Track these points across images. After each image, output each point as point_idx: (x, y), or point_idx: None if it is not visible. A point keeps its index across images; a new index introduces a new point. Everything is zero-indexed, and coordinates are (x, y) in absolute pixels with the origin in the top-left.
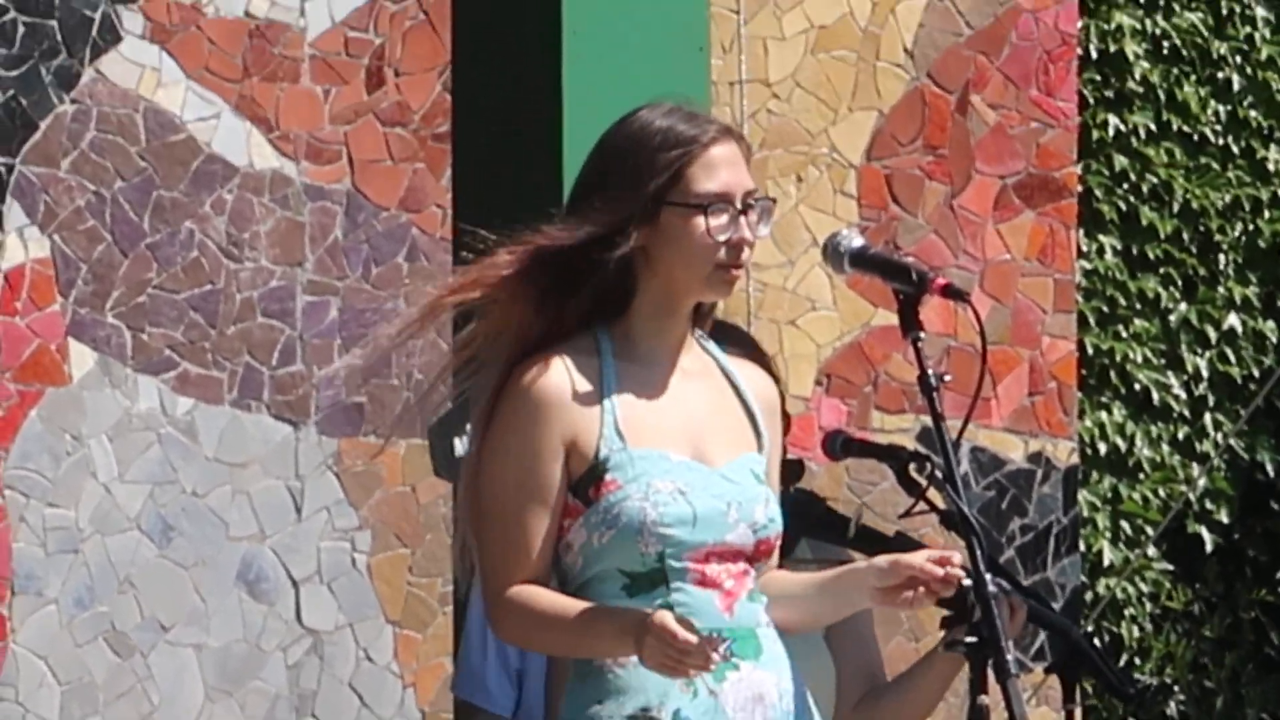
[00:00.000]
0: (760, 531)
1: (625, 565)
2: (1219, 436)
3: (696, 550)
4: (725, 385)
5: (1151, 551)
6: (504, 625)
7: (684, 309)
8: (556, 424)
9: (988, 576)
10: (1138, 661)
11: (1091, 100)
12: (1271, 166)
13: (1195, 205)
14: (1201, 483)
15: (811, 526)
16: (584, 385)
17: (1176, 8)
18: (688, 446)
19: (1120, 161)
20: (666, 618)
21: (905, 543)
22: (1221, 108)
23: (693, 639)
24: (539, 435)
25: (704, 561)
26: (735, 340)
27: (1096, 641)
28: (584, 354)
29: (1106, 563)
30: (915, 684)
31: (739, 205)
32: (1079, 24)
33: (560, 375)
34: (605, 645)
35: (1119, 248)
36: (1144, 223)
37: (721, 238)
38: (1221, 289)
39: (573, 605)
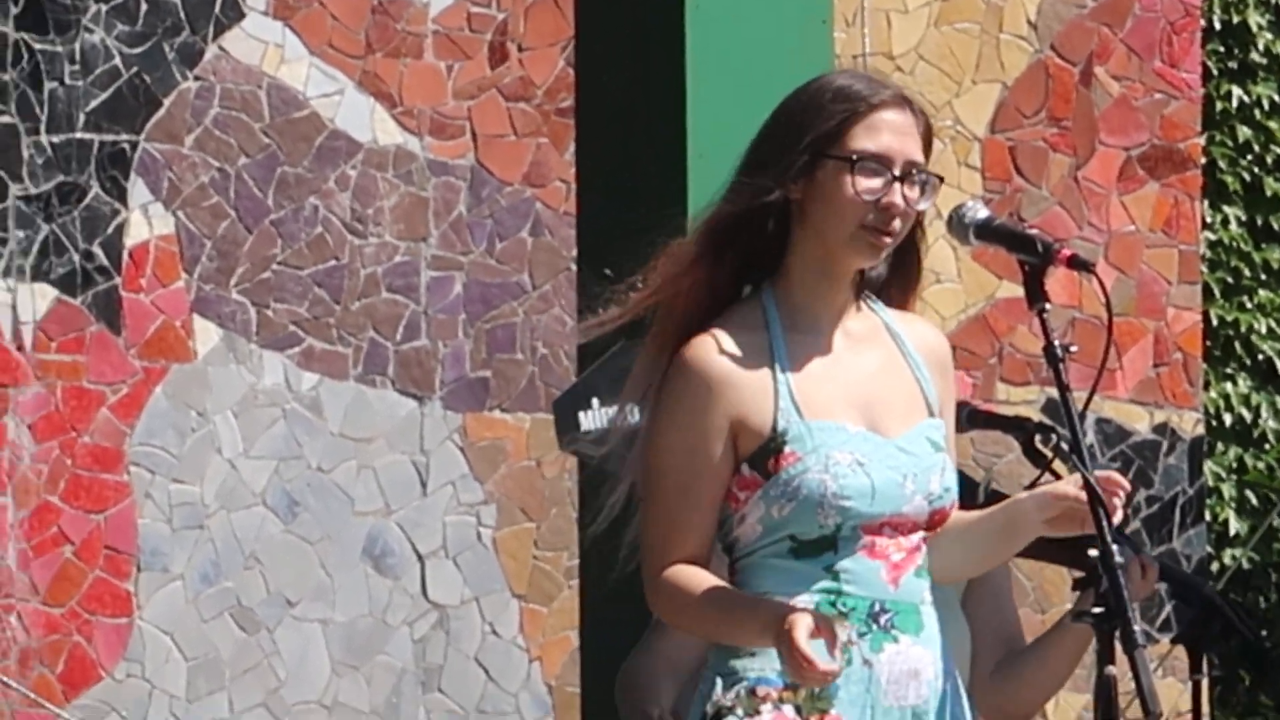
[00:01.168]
0: (935, 501)
1: (800, 533)
2: None
3: (872, 521)
4: (894, 349)
5: (1278, 521)
6: (659, 604)
7: (842, 272)
8: (723, 402)
9: (1114, 546)
10: (1265, 632)
11: (1215, 71)
12: None
13: None
14: None
15: None
16: (752, 360)
17: None
18: (861, 416)
19: (1244, 132)
20: (799, 632)
21: None
22: None
23: (816, 662)
24: (705, 415)
25: (877, 532)
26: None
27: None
28: (750, 328)
29: (1232, 533)
30: (1048, 654)
31: (897, 172)
32: None
33: (727, 352)
34: (747, 637)
35: (1243, 218)
36: (1268, 193)
37: (869, 197)
38: None
39: (721, 594)
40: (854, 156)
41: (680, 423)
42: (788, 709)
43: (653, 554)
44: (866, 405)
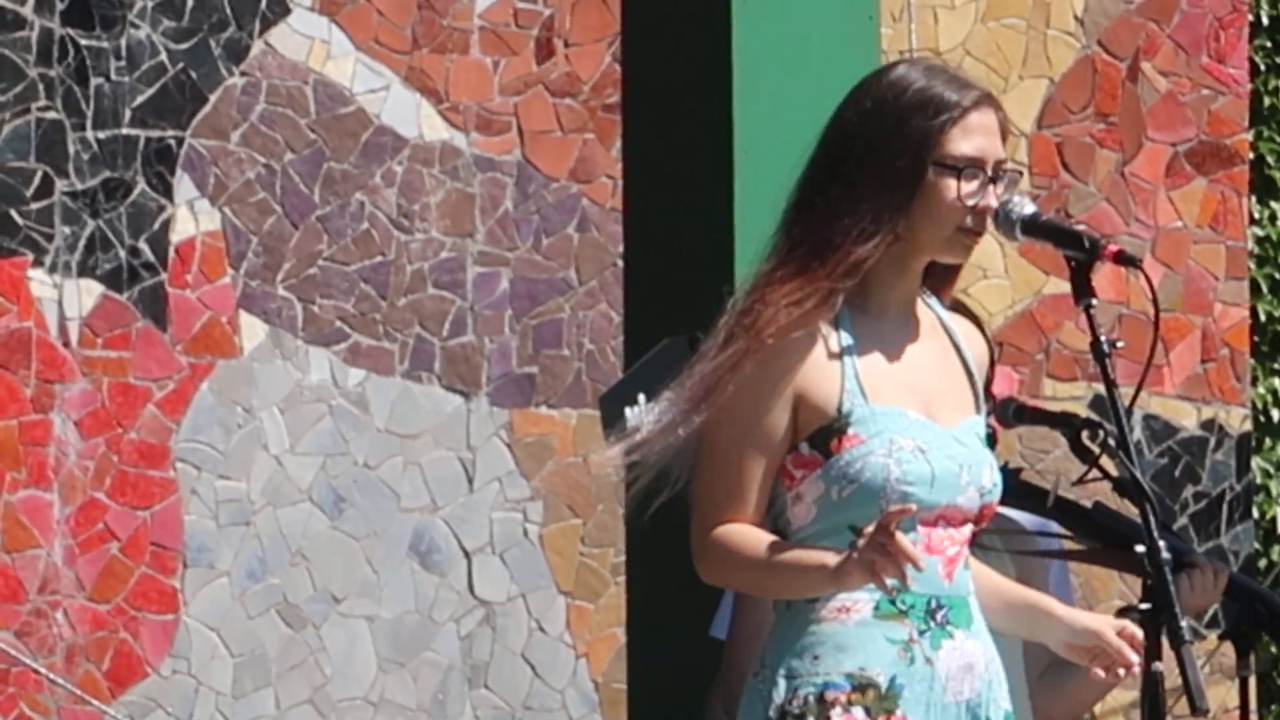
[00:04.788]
0: (986, 495)
1: (858, 520)
2: None
3: (930, 510)
4: (948, 344)
5: None
6: (706, 563)
7: (919, 265)
8: (787, 374)
9: (1162, 544)
10: None
11: (1263, 67)
12: None
13: None
14: None
15: (1009, 496)
16: (819, 338)
17: None
18: (920, 405)
19: None
20: (889, 527)
21: (1105, 514)
22: None
23: (907, 543)
24: (767, 384)
25: (933, 524)
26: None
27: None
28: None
29: None
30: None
31: (990, 172)
32: None
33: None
34: (802, 578)
35: None
36: None
37: (971, 202)
38: None
39: (777, 542)
40: (959, 164)
41: (742, 391)
42: (857, 710)
43: (704, 516)
44: (925, 394)
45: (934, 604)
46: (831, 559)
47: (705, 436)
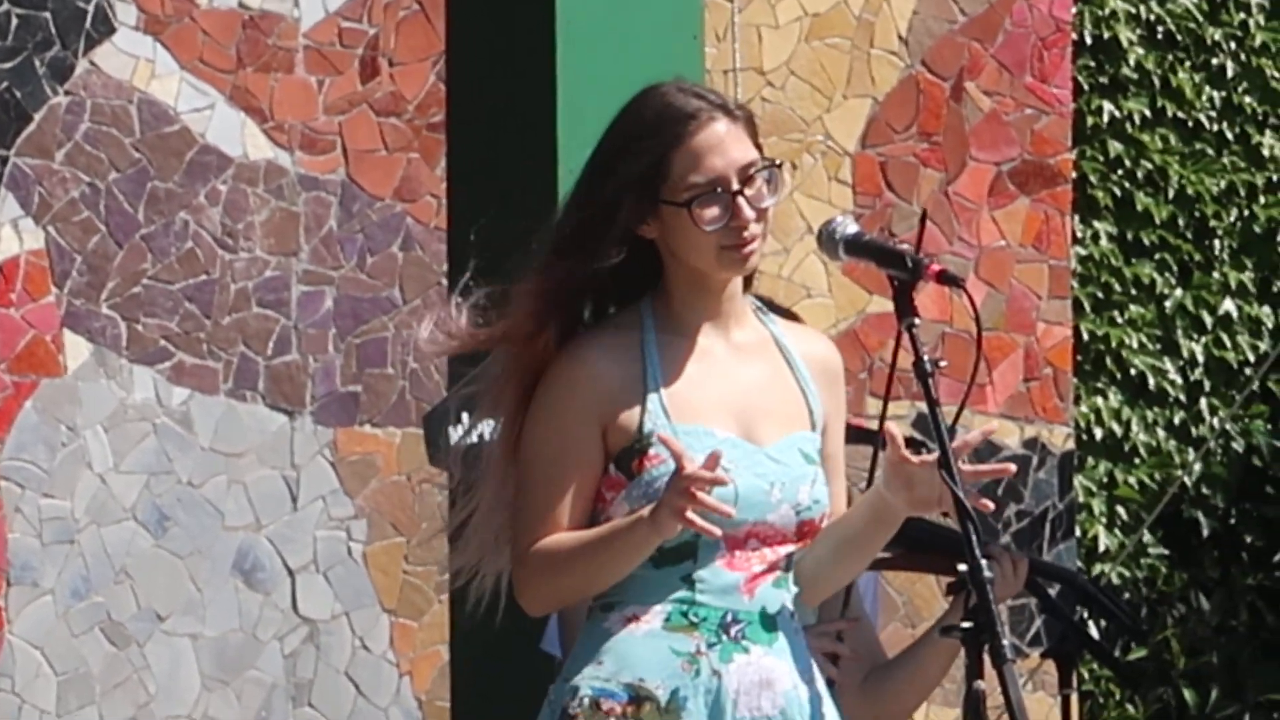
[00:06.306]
0: (804, 512)
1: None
2: (1214, 421)
3: (736, 529)
4: (779, 360)
5: (1147, 537)
6: (528, 582)
7: (717, 285)
8: (591, 400)
9: (983, 561)
10: (1133, 645)
11: (1086, 86)
12: (1266, 152)
13: (1190, 191)
14: (1197, 468)
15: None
16: (624, 362)
17: None
18: (735, 423)
19: (1115, 147)
20: (684, 462)
21: (920, 525)
22: (1216, 93)
23: (704, 473)
24: (573, 410)
25: (743, 541)
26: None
27: (1087, 622)
28: (625, 329)
29: (1102, 548)
30: (916, 664)
31: (735, 186)
32: (1073, 10)
33: (598, 351)
34: (626, 537)
35: (1114, 234)
36: (1139, 208)
37: (710, 229)
38: (1217, 274)
39: (589, 532)
40: (687, 197)
41: (549, 416)
42: None
43: (519, 540)
44: (742, 412)
45: (729, 618)
46: (648, 510)
47: (521, 465)
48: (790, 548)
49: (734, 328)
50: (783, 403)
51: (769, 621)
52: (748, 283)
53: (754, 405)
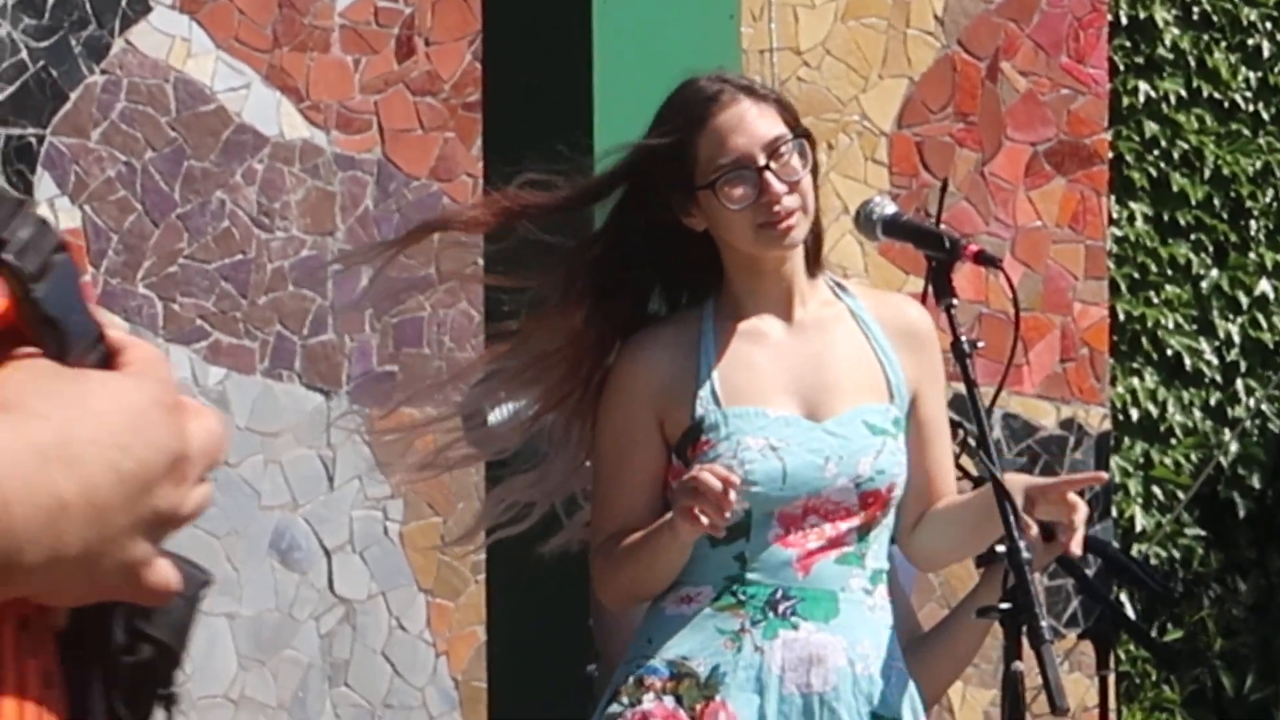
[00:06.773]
0: (865, 484)
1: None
2: (1250, 402)
3: (790, 505)
4: (856, 332)
5: (1184, 517)
6: (598, 576)
7: (769, 267)
8: (645, 390)
9: (1021, 542)
10: (1170, 626)
11: (1122, 67)
12: None
13: (1226, 171)
14: (1233, 448)
15: None
16: (679, 350)
17: None
18: (794, 401)
19: (1151, 128)
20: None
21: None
22: (1252, 74)
23: (713, 484)
24: (631, 404)
25: (800, 518)
26: None
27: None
28: (687, 320)
29: (1139, 529)
30: (950, 638)
31: (761, 162)
32: None
33: (653, 346)
34: (656, 541)
35: (1150, 214)
36: (1175, 189)
37: (737, 207)
38: (1253, 254)
39: (643, 531)
40: (712, 179)
41: (611, 410)
42: (668, 700)
43: (595, 534)
44: (804, 390)
45: (778, 595)
46: (670, 515)
47: (592, 459)
48: (854, 522)
49: (797, 306)
50: (854, 375)
51: (828, 598)
52: (815, 260)
53: (818, 381)
